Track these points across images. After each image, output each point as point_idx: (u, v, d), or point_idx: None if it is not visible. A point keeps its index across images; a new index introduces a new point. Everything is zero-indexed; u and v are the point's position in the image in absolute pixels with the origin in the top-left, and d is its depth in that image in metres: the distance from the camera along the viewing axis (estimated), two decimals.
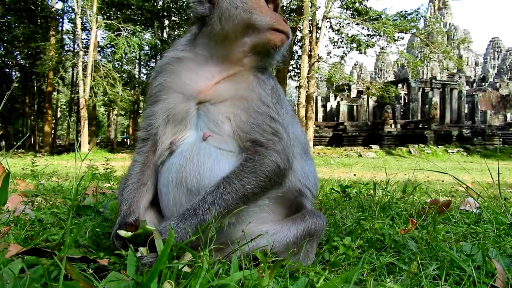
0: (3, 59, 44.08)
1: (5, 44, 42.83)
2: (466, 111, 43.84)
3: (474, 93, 48.95)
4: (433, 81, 42.98)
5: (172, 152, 1.84)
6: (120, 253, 1.51)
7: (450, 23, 72.00)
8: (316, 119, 44.43)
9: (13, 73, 47.03)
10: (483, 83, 63.62)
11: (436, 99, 39.36)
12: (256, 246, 1.66)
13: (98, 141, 46.34)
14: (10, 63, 45.20)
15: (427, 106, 39.36)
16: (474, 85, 63.56)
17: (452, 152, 31.85)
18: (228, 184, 1.64)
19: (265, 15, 1.81)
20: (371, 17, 29.24)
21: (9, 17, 39.50)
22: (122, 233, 1.64)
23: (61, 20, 42.46)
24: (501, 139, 36.93)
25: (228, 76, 1.87)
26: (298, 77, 31.61)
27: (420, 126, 38.20)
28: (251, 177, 1.66)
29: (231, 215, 1.65)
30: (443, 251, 1.85)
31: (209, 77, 1.87)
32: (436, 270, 1.69)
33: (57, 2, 38.88)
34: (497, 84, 59.34)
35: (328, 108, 50.81)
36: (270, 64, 1.96)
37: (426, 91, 41.86)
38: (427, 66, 58.83)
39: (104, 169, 8.15)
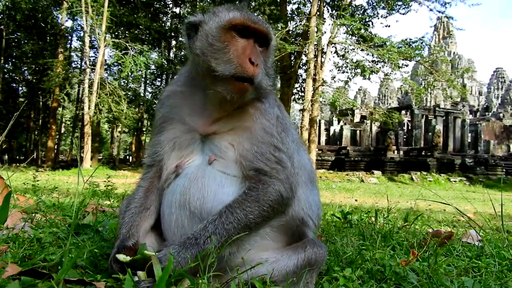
0: (10, 74, 44.64)
1: (13, 60, 43.46)
2: (469, 140, 43.80)
3: (477, 122, 49.01)
4: (437, 109, 43.11)
5: (178, 175, 1.85)
6: (117, 276, 1.49)
7: (454, 52, 72.68)
8: (319, 142, 44.48)
9: (20, 88, 47.52)
10: (487, 113, 63.76)
11: (439, 127, 39.40)
12: (255, 273, 1.64)
13: (101, 157, 46.35)
14: (17, 78, 45.76)
15: (430, 133, 39.38)
16: (478, 114, 63.68)
17: (455, 181, 31.70)
18: (230, 214, 1.64)
19: (228, 62, 1.74)
20: (376, 44, 29.52)
21: (19, 34, 40.20)
22: (121, 257, 1.63)
23: (70, 37, 43.16)
24: (504, 170, 36.78)
25: (226, 113, 1.87)
26: (302, 100, 31.75)
27: (423, 153, 38.13)
28: (254, 207, 1.66)
29: (232, 244, 1.63)
30: (444, 286, 1.82)
31: (207, 115, 1.88)
32: None
33: (67, 20, 39.54)
34: (501, 114, 59.43)
35: (331, 132, 50.91)
36: (260, 96, 1.89)
37: (429, 118, 41.96)
38: (430, 93, 59.13)
39: (105, 186, 8.16)
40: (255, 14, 1.91)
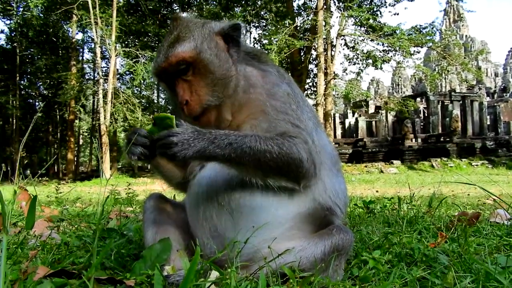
0: (27, 90, 45.54)
1: (28, 76, 44.34)
2: (488, 123, 42.96)
3: (495, 104, 48.00)
4: (453, 93, 42.35)
5: (203, 166, 1.85)
6: (147, 273, 1.50)
7: (466, 35, 71.37)
8: (335, 136, 44.20)
9: (37, 103, 48.37)
10: (505, 94, 62.43)
11: (456, 111, 38.73)
12: (283, 263, 1.61)
13: (120, 166, 46.89)
14: (33, 93, 46.66)
15: (447, 119, 38.74)
16: (495, 96, 62.39)
17: (476, 165, 31.11)
18: (255, 140, 1.60)
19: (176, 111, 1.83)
20: (386, 33, 29.25)
21: (32, 50, 41.01)
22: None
23: (81, 50, 43.88)
24: None
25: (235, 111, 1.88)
26: (315, 95, 31.63)
27: (442, 139, 37.53)
28: (275, 150, 1.62)
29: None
30: (477, 264, 1.78)
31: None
32: (471, 283, 1.63)
33: (77, 33, 40.13)
34: None
35: (347, 124, 50.47)
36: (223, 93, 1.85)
37: (445, 104, 41.25)
38: (445, 78, 58.20)
39: (126, 194, 8.23)
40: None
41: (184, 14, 1.96)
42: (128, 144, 1.64)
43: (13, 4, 35.08)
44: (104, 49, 35.06)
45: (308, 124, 1.82)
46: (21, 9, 35.28)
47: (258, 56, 2.02)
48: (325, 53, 30.19)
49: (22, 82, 43.42)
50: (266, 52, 27.16)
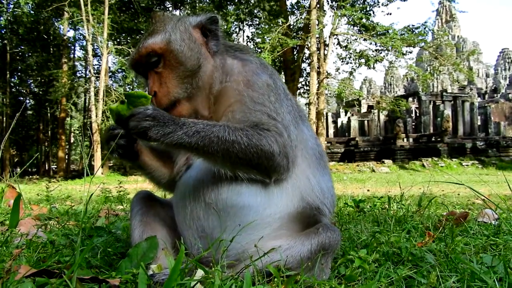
0: (17, 87, 45.09)
1: (19, 73, 43.90)
2: (479, 123, 43.31)
3: (486, 105, 48.43)
4: (444, 93, 42.64)
5: (189, 166, 1.84)
6: (133, 271, 1.49)
7: (458, 36, 71.87)
8: (327, 135, 44.32)
9: (28, 101, 47.96)
10: (495, 94, 63.02)
11: (448, 111, 39.01)
12: (269, 261, 1.61)
13: (111, 164, 46.63)
14: (24, 91, 46.18)
15: (439, 119, 39.00)
16: (486, 96, 62.92)
17: (467, 165, 31.36)
18: (223, 130, 1.59)
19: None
20: (379, 32, 29.32)
21: (22, 47, 40.61)
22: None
23: (73, 47, 43.47)
24: None
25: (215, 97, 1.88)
26: (308, 94, 31.65)
27: (433, 139, 37.80)
28: (244, 142, 1.59)
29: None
30: (463, 263, 1.79)
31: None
32: (456, 282, 1.64)
33: (68, 31, 39.78)
34: (510, 95, 58.73)
35: (339, 124, 50.66)
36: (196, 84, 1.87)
37: (437, 104, 41.52)
38: (437, 79, 58.56)
39: (117, 192, 8.19)
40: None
41: (166, 12, 1.99)
42: (107, 143, 1.73)
43: (3, 1, 34.68)
44: (96, 47, 34.83)
45: (286, 117, 1.78)
46: (11, 6, 34.90)
47: (241, 49, 2.02)
48: (318, 52, 30.19)
49: (12, 79, 42.99)
50: (256, 49, 27.11)
